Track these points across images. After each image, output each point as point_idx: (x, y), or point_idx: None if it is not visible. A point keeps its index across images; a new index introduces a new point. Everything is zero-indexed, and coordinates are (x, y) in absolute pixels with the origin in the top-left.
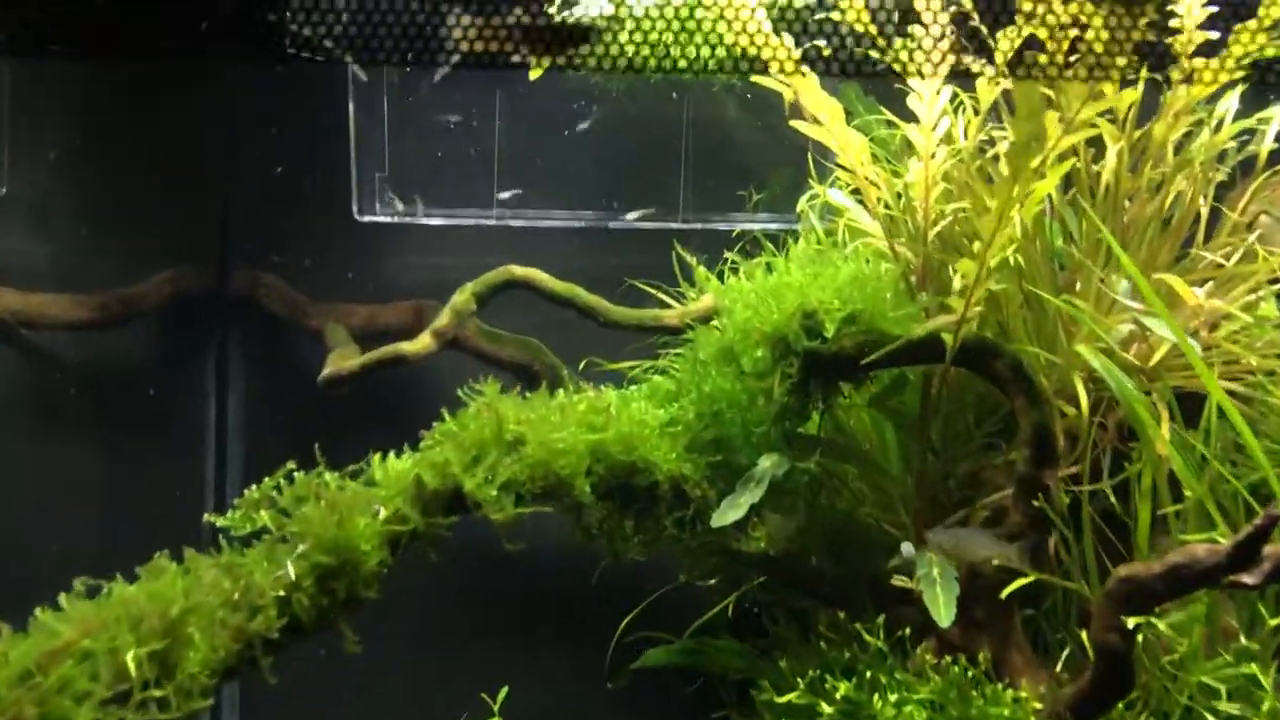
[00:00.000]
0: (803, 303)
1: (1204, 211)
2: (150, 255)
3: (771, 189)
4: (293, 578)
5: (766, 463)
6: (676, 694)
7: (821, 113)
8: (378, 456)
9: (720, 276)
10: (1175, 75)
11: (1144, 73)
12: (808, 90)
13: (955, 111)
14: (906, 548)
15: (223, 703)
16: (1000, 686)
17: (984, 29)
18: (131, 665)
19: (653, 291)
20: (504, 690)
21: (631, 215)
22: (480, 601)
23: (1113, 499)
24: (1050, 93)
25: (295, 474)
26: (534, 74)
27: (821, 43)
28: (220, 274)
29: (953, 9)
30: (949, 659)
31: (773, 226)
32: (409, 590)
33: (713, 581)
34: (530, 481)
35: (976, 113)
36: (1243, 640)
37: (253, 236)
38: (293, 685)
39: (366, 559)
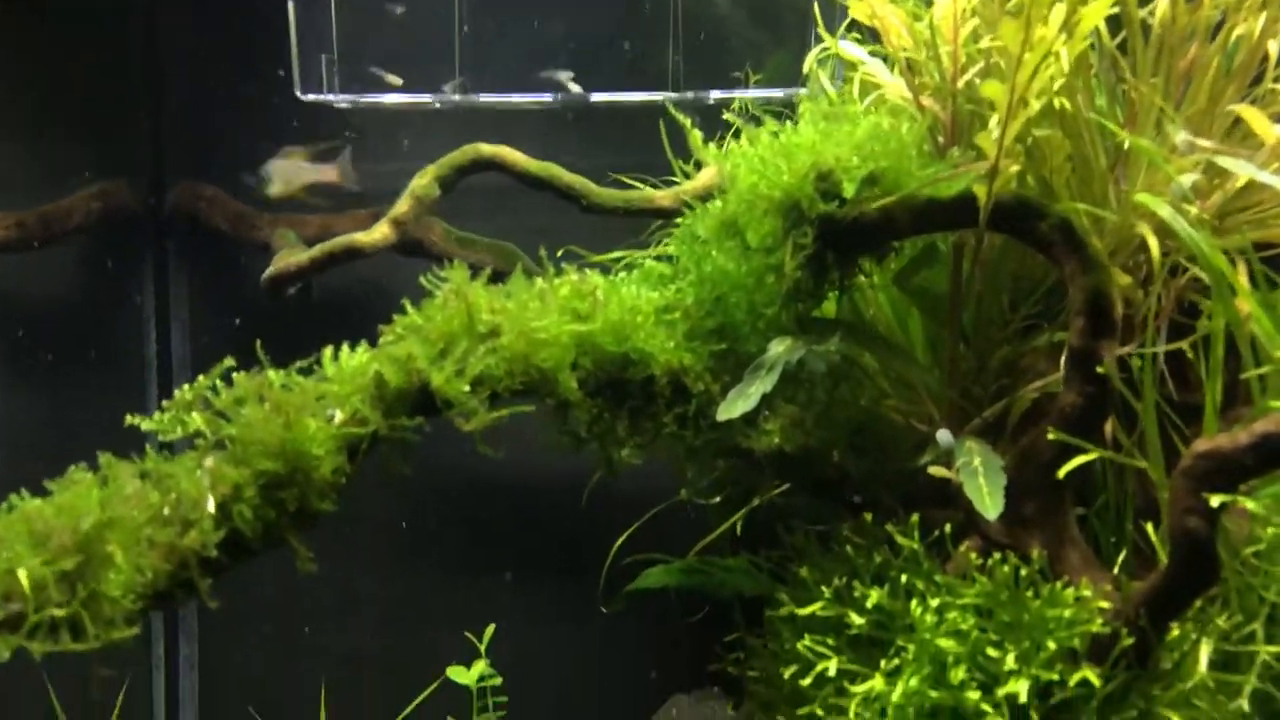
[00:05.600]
0: (817, 161)
1: (1273, 51)
2: (74, 167)
3: (776, 57)
4: (208, 479)
5: (779, 348)
6: (680, 623)
7: None
8: (329, 351)
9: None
10: None
11: None
12: None
13: None
14: (943, 434)
15: (179, 637)
16: (1058, 585)
17: None
18: (25, 582)
19: (637, 184)
20: (490, 628)
21: (564, 77)
22: (461, 527)
23: (1170, 384)
24: None
25: (235, 373)
26: None
27: None
28: (154, 187)
29: None
30: (996, 559)
31: (778, 94)
32: (384, 518)
33: (717, 499)
34: (508, 377)
35: None
36: None
37: (190, 144)
38: (258, 622)
39: (319, 466)
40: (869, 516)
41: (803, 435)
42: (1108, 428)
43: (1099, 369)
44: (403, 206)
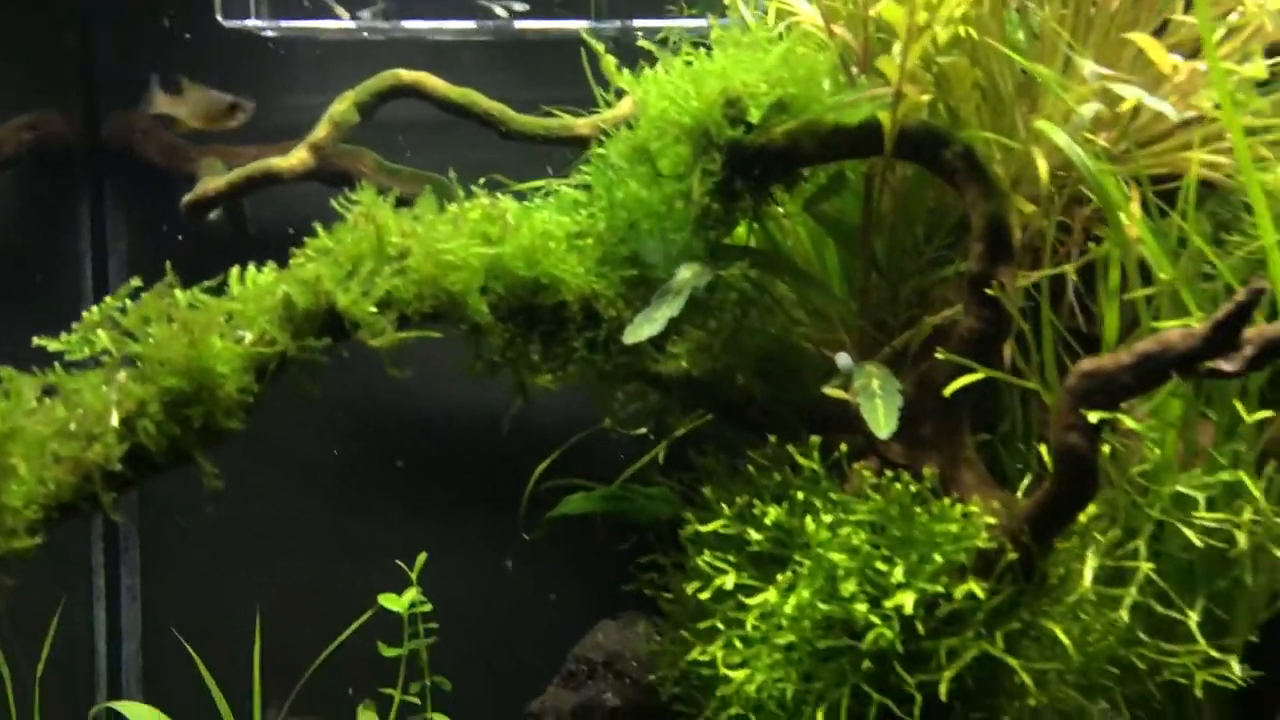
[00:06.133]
0: (726, 87)
1: None
2: (4, 96)
3: None
4: (115, 394)
5: (686, 273)
6: (609, 550)
7: None
8: (235, 270)
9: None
10: None
11: None
12: None
13: None
14: (843, 358)
15: (121, 569)
16: (948, 501)
17: None
18: None
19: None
20: (422, 556)
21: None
22: (395, 459)
23: (1079, 317)
24: None
25: (142, 293)
26: None
27: None
28: (89, 118)
29: None
30: (889, 477)
31: (704, 24)
32: (317, 453)
33: (644, 430)
34: (417, 300)
35: None
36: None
37: (121, 74)
38: (199, 554)
39: (224, 384)
40: (774, 439)
41: (710, 360)
42: (1008, 353)
43: (994, 294)
44: (321, 132)
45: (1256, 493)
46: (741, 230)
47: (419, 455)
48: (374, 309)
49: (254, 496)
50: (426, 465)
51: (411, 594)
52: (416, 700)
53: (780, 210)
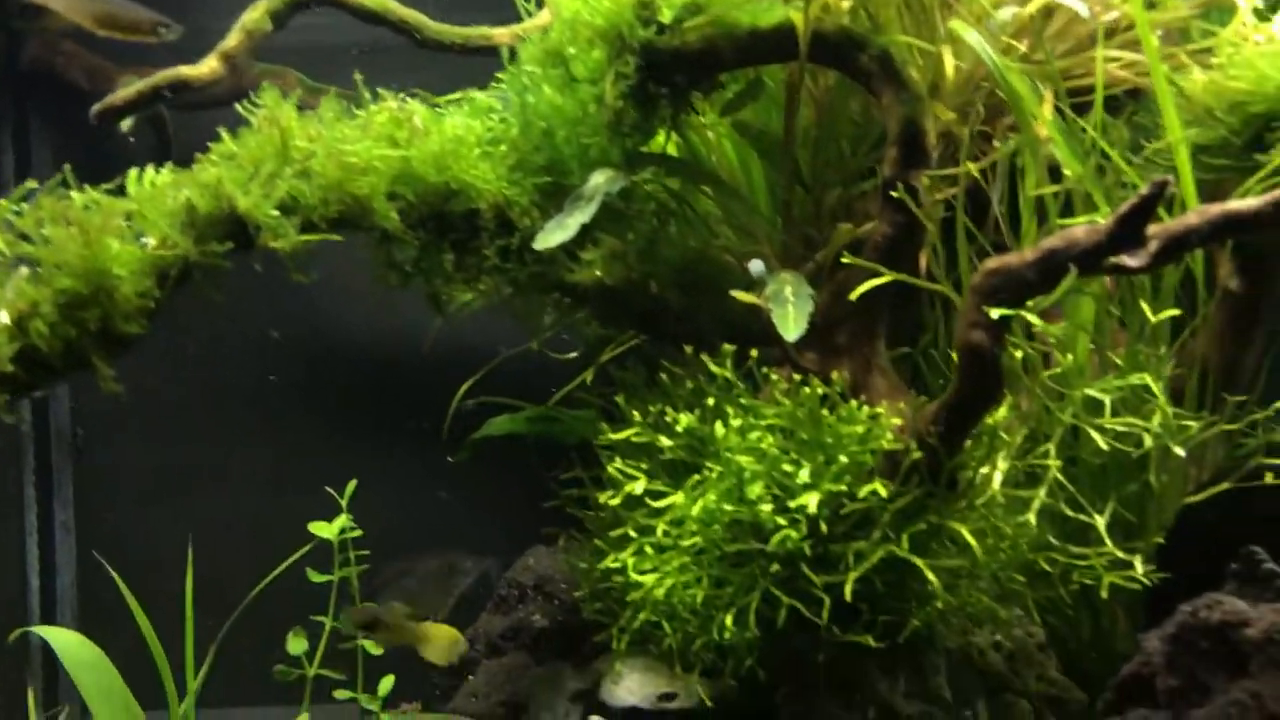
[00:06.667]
0: None
1: None
2: None
3: None
4: (11, 292)
5: (599, 178)
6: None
7: None
8: (134, 172)
9: None
10: None
11: None
12: None
13: None
14: (756, 264)
15: (54, 504)
16: (855, 404)
17: None
18: None
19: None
20: (352, 483)
21: None
22: (328, 389)
23: (1006, 229)
24: None
25: (37, 194)
26: None
27: None
28: (11, 40)
29: None
30: (798, 381)
31: None
32: (248, 384)
33: (574, 355)
34: (322, 205)
35: None
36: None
37: None
38: (128, 487)
39: (121, 285)
40: (690, 349)
41: (625, 269)
42: (925, 262)
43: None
44: (232, 40)
45: (1161, 397)
46: (664, 141)
47: (355, 385)
48: (276, 212)
49: (187, 429)
50: (359, 394)
51: (342, 520)
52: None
53: (704, 121)
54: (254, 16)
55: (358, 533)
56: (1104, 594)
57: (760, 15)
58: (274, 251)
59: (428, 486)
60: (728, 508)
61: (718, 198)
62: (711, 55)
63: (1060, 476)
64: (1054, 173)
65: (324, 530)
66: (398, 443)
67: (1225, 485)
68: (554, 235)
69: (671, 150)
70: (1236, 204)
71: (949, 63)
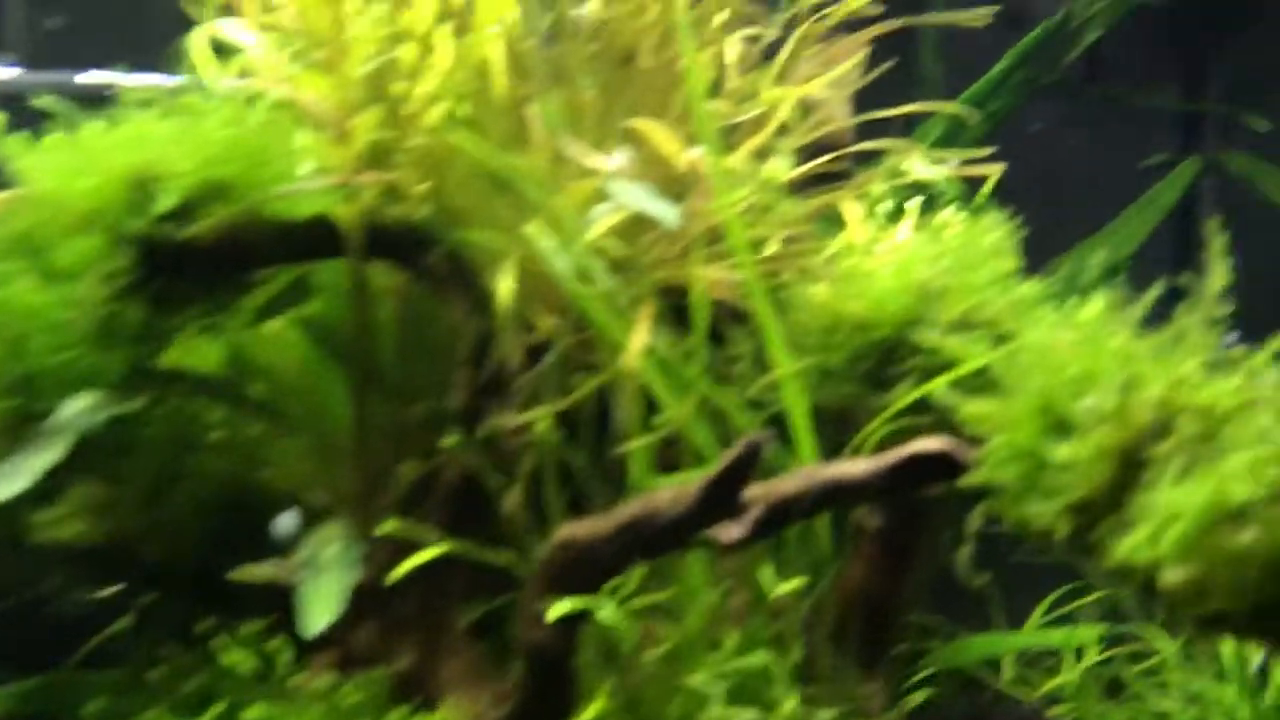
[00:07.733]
0: (133, 163)
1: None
2: None
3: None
4: None
5: (75, 406)
6: None
7: None
8: None
9: None
10: None
11: None
12: None
13: None
14: (285, 520)
15: None
16: (408, 711)
17: None
18: None
19: None
20: None
21: None
22: None
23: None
24: None
25: None
26: None
27: None
28: None
29: None
30: (343, 683)
31: (173, 81)
32: None
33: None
34: None
35: None
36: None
37: None
38: None
39: None
40: (206, 625)
41: (116, 521)
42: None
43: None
44: None
45: (781, 678)
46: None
47: None
48: None
49: None
50: None
51: None
52: None
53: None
54: None
55: None
56: None
57: (296, 205)
58: None
59: None
60: None
61: (270, 416)
62: (236, 250)
63: None
64: None
65: None
66: None
67: None
68: (7, 484)
69: (214, 356)
70: (847, 469)
71: (505, 284)
